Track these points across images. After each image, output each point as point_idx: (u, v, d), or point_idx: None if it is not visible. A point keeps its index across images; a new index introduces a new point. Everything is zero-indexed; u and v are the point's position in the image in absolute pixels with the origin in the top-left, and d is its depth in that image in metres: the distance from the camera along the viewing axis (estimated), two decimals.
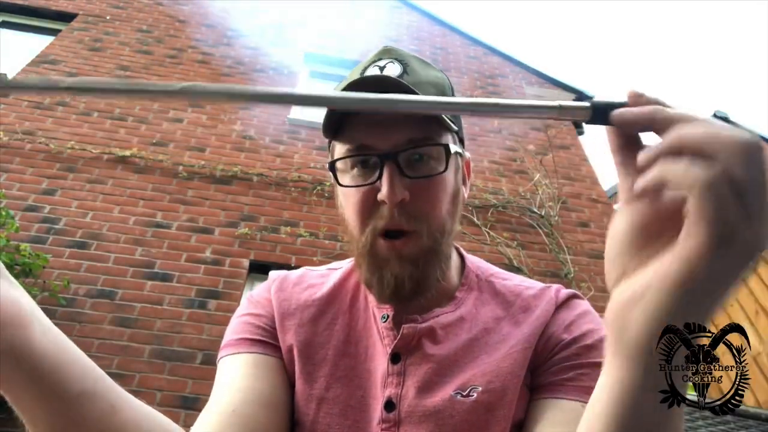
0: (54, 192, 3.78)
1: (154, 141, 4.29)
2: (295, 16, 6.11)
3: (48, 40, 5.21)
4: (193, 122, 4.55)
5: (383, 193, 0.58)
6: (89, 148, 4.08)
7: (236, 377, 0.61)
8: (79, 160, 4.02)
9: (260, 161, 4.30)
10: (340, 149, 0.64)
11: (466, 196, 0.71)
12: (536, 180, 4.48)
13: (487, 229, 4.15)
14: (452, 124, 0.64)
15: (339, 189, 0.66)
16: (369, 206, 0.61)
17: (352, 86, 0.59)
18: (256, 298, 0.72)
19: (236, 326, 0.69)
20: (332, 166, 0.64)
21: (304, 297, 0.70)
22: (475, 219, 4.19)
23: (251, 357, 0.64)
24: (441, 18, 6.72)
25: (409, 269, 0.60)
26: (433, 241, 0.62)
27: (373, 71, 0.64)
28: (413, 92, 0.57)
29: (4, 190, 3.35)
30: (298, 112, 4.95)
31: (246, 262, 3.64)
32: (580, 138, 5.55)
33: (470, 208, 4.23)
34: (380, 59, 0.65)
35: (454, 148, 0.63)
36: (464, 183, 0.71)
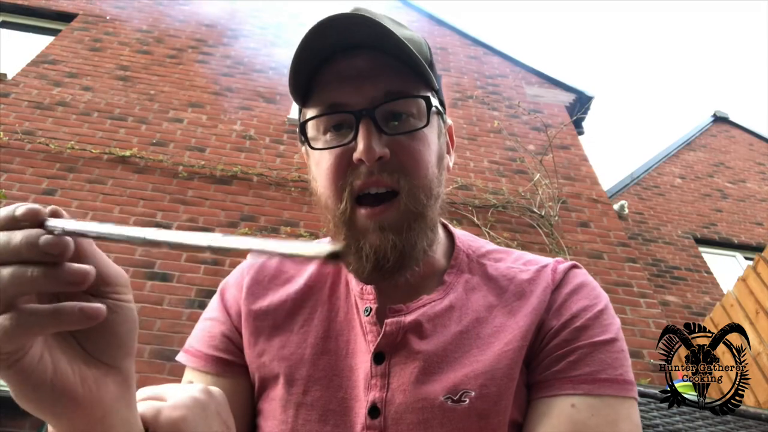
0: (54, 192, 3.78)
1: (154, 141, 4.29)
2: (295, 16, 6.11)
3: (48, 40, 5.21)
4: (193, 122, 4.55)
5: (359, 151, 0.53)
6: (89, 148, 4.08)
7: None
8: (79, 160, 4.02)
9: (260, 161, 4.30)
10: (309, 113, 0.58)
11: (450, 165, 0.65)
12: (536, 180, 4.48)
13: (487, 229, 4.14)
14: (434, 81, 0.58)
15: (311, 158, 0.61)
16: (343, 168, 0.55)
17: (320, 24, 0.52)
18: (226, 295, 0.67)
19: (201, 331, 0.65)
20: (303, 129, 0.58)
21: (280, 294, 0.65)
22: (475, 219, 4.18)
23: (207, 379, 0.60)
24: (441, 18, 6.72)
25: (391, 239, 0.54)
26: (417, 204, 0.55)
27: None
28: (385, 28, 0.52)
29: (4, 190, 3.35)
30: (297, 112, 4.95)
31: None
32: (580, 138, 5.55)
33: (470, 208, 4.23)
34: None
35: (434, 103, 0.58)
36: (448, 151, 0.65)
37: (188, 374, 0.63)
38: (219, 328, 0.65)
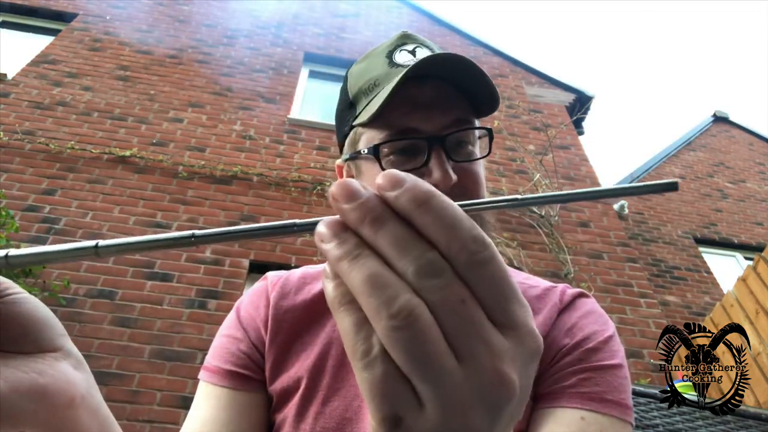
0: (54, 192, 3.78)
1: (154, 141, 4.29)
2: (295, 16, 6.11)
3: (48, 40, 5.21)
4: (193, 122, 4.55)
5: (436, 177, 0.57)
6: (89, 148, 4.08)
7: (207, 412, 0.61)
8: (79, 160, 4.02)
9: (260, 161, 4.30)
10: (374, 135, 0.61)
11: None
12: (536, 180, 4.48)
13: None
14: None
15: (363, 173, 0.63)
16: None
17: (421, 64, 0.56)
18: (242, 313, 0.69)
19: (218, 347, 0.66)
20: (376, 151, 0.60)
21: (304, 306, 0.66)
22: None
23: (224, 393, 0.62)
24: (441, 18, 6.72)
25: None
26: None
27: (402, 55, 0.63)
28: (477, 68, 0.57)
29: (4, 190, 3.35)
30: (297, 112, 4.95)
31: (246, 262, 3.64)
32: (580, 138, 5.55)
33: None
34: (405, 44, 0.65)
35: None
36: None
37: (204, 389, 0.64)
38: (236, 344, 0.66)
